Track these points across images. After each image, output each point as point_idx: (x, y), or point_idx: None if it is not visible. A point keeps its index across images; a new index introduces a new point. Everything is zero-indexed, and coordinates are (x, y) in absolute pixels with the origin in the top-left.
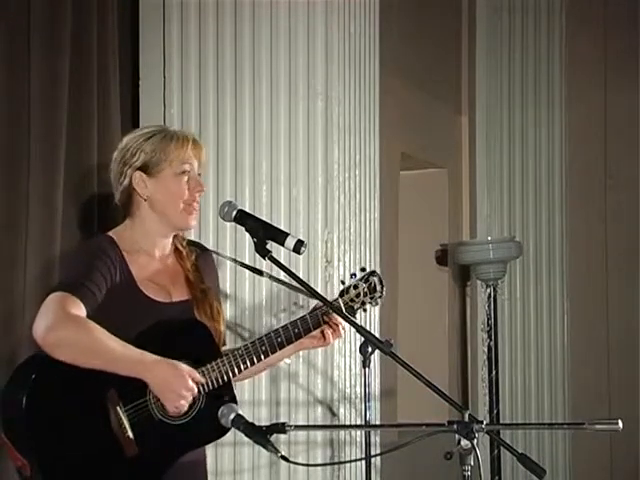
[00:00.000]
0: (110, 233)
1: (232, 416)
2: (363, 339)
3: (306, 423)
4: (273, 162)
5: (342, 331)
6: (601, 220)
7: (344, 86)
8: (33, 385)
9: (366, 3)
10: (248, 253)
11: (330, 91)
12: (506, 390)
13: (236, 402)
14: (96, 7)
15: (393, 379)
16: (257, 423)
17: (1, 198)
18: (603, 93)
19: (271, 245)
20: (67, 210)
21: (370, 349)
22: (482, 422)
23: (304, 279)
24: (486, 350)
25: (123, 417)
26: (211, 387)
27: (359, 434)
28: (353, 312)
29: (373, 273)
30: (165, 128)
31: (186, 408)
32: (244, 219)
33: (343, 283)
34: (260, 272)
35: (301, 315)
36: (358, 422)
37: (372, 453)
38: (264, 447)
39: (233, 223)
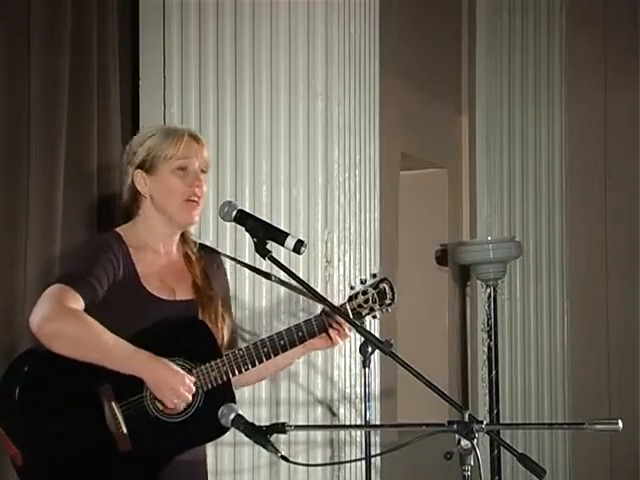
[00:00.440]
0: (118, 230)
1: (232, 416)
2: (363, 339)
3: (306, 423)
4: (273, 162)
5: (348, 332)
6: (601, 220)
7: (344, 86)
8: (26, 376)
9: (366, 3)
10: (248, 253)
11: (330, 91)
12: (506, 390)
13: (235, 402)
14: (96, 7)
15: (393, 379)
16: (257, 423)
17: (1, 198)
18: (603, 93)
19: (271, 245)
20: (67, 210)
21: (370, 349)
22: (482, 422)
23: (304, 279)
24: (486, 350)
25: (117, 412)
26: (210, 387)
27: (359, 434)
28: (361, 318)
29: (384, 280)
30: (168, 126)
31: (184, 406)
32: (244, 219)
33: (352, 288)
34: (269, 276)
35: (306, 318)
36: (358, 422)
37: (372, 453)
38: (264, 447)
39: (233, 223)
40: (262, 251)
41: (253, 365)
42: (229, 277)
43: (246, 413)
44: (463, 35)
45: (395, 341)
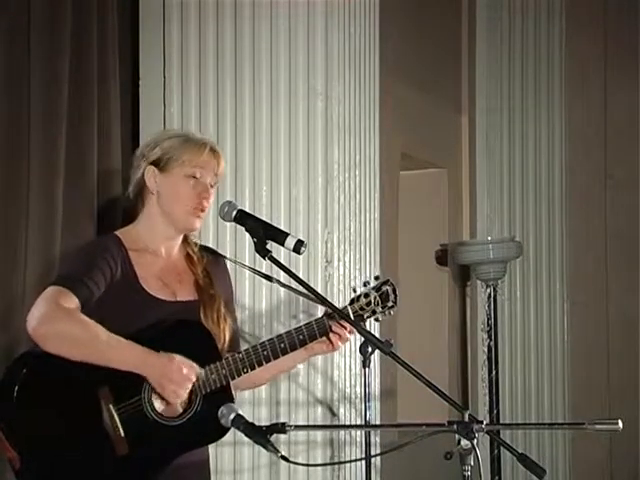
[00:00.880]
0: (117, 232)
1: (232, 416)
2: (363, 339)
3: (306, 423)
4: (273, 162)
5: (348, 336)
6: (601, 220)
7: (344, 86)
8: (24, 379)
9: (366, 3)
10: (248, 253)
11: (330, 91)
12: (506, 390)
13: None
14: (96, 7)
15: (393, 379)
16: (257, 423)
17: (1, 198)
18: (603, 93)
19: (271, 245)
20: (67, 210)
21: (370, 349)
22: (482, 422)
23: (304, 279)
24: (486, 350)
25: (115, 415)
26: (209, 390)
27: (359, 434)
28: (362, 320)
29: (386, 282)
30: (190, 133)
31: (186, 396)
32: (244, 219)
33: (355, 291)
34: (270, 278)
35: (307, 321)
36: (358, 422)
37: (372, 453)
38: (264, 447)
39: (233, 223)
40: (262, 251)
41: (253, 368)
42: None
43: (246, 413)
44: (463, 35)
45: (395, 341)
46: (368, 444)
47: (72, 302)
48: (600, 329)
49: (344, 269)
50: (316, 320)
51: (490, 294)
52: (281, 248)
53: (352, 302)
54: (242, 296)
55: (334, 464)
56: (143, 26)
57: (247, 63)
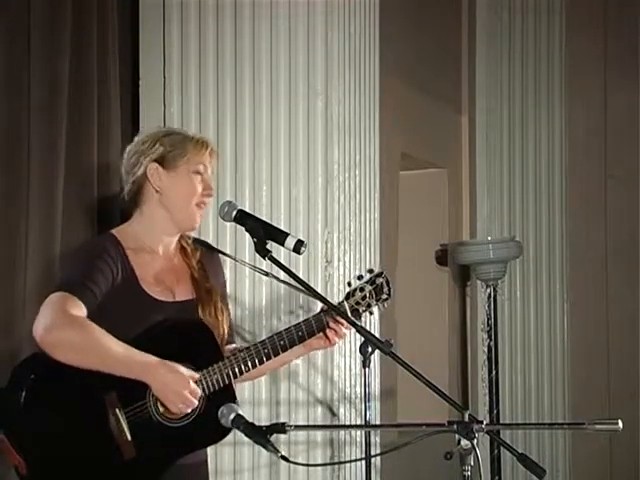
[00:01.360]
0: (113, 231)
1: (232, 416)
2: (363, 339)
3: (306, 423)
4: (273, 162)
5: (345, 332)
6: (601, 220)
7: (344, 86)
8: (31, 384)
9: (366, 3)
10: (248, 253)
11: (330, 91)
12: (506, 390)
13: (237, 404)
14: (96, 7)
15: (393, 379)
16: (257, 423)
17: (1, 198)
18: (603, 93)
19: (271, 245)
20: (67, 210)
21: (370, 349)
22: (482, 422)
23: (304, 279)
24: (486, 350)
25: (122, 419)
26: (212, 390)
27: (359, 434)
28: (359, 315)
29: (380, 275)
30: (184, 130)
31: (189, 409)
32: (244, 219)
33: (349, 285)
34: (266, 273)
35: (305, 318)
36: (358, 422)
37: (372, 453)
38: (264, 447)
39: (233, 223)
40: (262, 251)
41: (254, 367)
42: (229, 276)
43: (246, 413)
44: (463, 35)
45: (395, 341)
46: (368, 444)
47: (79, 308)
48: (600, 329)
49: (344, 269)
50: (314, 317)
51: (490, 294)
52: (281, 248)
53: (348, 297)
54: (241, 293)
55: (334, 464)
56: (143, 26)
57: (247, 63)
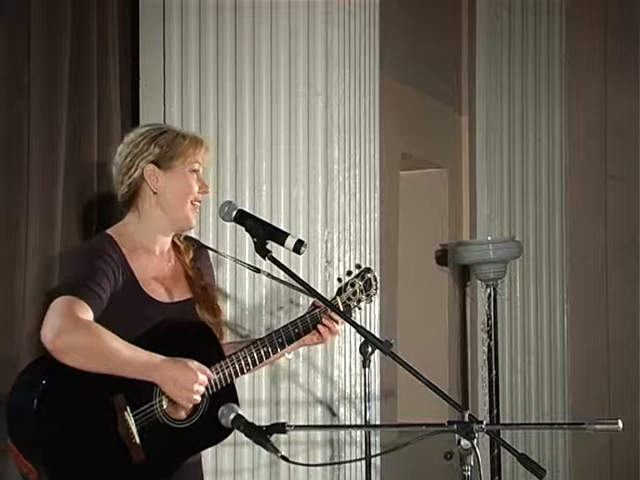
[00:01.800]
0: (109, 232)
1: (232, 416)
2: (363, 339)
3: (306, 423)
4: (273, 162)
5: (338, 328)
6: (601, 220)
7: (344, 86)
8: (43, 391)
9: (366, 3)
10: (248, 253)
11: (330, 91)
12: (506, 390)
13: (238, 404)
14: (96, 7)
15: (393, 379)
16: (257, 423)
17: (1, 198)
18: (603, 93)
19: (271, 245)
20: (67, 210)
21: (370, 349)
22: (482, 422)
23: (304, 279)
24: (486, 350)
25: (130, 423)
26: (215, 389)
27: (359, 434)
28: (350, 310)
29: (368, 270)
30: (173, 127)
31: (199, 400)
32: (244, 219)
33: (340, 281)
34: (258, 270)
35: (301, 315)
36: (358, 422)
37: (372, 453)
38: (264, 447)
39: (233, 223)
40: (262, 251)
41: (254, 365)
42: (229, 275)
43: (246, 413)
44: (463, 35)
45: (395, 341)
46: (368, 444)
47: (87, 312)
48: (600, 329)
49: (344, 269)
50: (309, 313)
51: (490, 294)
52: (281, 248)
53: (339, 292)
54: (242, 292)
55: (334, 464)
56: (143, 26)
57: (247, 63)
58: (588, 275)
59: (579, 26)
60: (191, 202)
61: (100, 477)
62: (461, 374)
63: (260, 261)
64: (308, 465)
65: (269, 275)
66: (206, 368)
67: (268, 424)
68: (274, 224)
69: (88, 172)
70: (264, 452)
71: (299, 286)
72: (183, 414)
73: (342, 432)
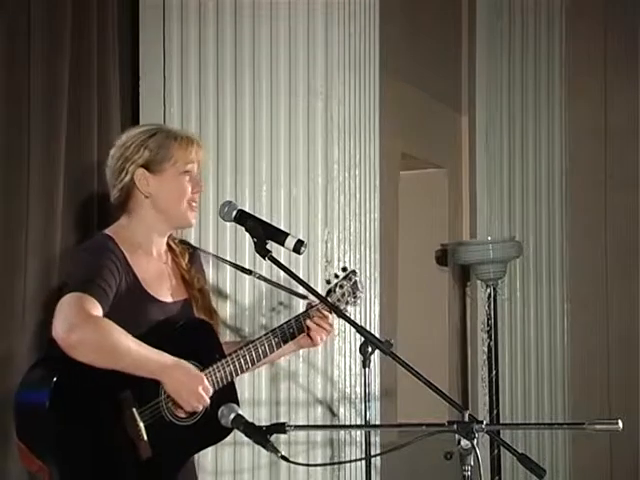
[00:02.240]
0: (108, 232)
1: (232, 416)
2: (363, 339)
3: (306, 423)
4: (273, 162)
5: (327, 326)
6: (601, 220)
7: (344, 86)
8: (55, 388)
9: (366, 3)
10: (248, 253)
11: (330, 91)
12: (506, 390)
13: (238, 403)
14: (96, 7)
15: (393, 379)
16: (257, 423)
17: (1, 198)
18: (603, 93)
19: (271, 245)
20: (67, 210)
21: (370, 349)
22: (482, 422)
23: (304, 279)
24: (486, 350)
25: (138, 420)
26: (217, 387)
27: (359, 434)
28: (339, 312)
29: (354, 272)
30: (165, 127)
31: (201, 408)
32: (244, 219)
33: (328, 283)
34: (249, 271)
35: (295, 315)
36: (358, 422)
37: (372, 453)
38: (264, 447)
39: (233, 223)
40: (262, 251)
41: (253, 364)
42: (228, 276)
43: (246, 413)
44: (463, 35)
45: (395, 341)
46: (368, 444)
47: (96, 308)
48: (600, 329)
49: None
50: (302, 314)
51: (490, 294)
52: (281, 248)
53: (328, 294)
54: (242, 292)
55: (334, 464)
56: (143, 26)
57: (247, 63)
58: (588, 275)
59: (579, 26)
60: (187, 202)
61: (109, 473)
62: (461, 374)
63: (260, 261)
64: (308, 465)
65: (260, 277)
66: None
67: (268, 424)
68: (274, 224)
69: (88, 172)
70: (264, 452)
71: (290, 288)
72: (182, 413)
73: (342, 432)
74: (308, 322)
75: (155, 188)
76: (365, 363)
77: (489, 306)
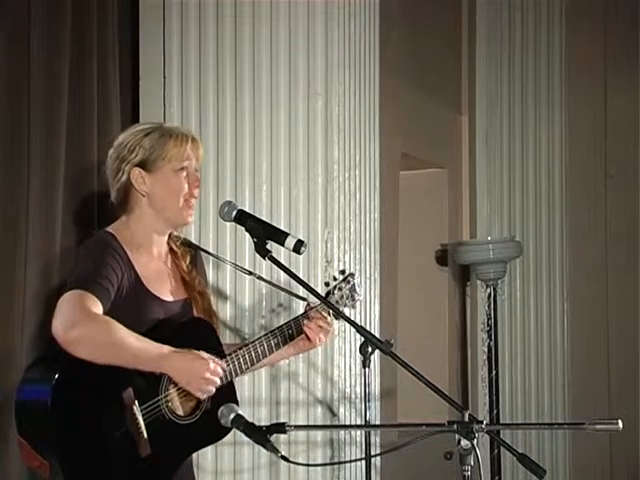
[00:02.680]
0: (111, 230)
1: (232, 416)
2: (363, 339)
3: (306, 423)
4: (273, 162)
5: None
6: (601, 220)
7: (344, 86)
8: (57, 385)
9: (366, 3)
10: (248, 253)
11: (330, 91)
12: (506, 390)
13: (237, 403)
14: (96, 7)
15: (393, 379)
16: (257, 423)
17: (1, 198)
18: (603, 93)
19: (271, 245)
20: (67, 209)
21: (370, 349)
22: (482, 422)
23: (304, 279)
24: (486, 350)
25: (139, 417)
26: (217, 386)
27: (359, 434)
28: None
29: (353, 275)
30: (162, 125)
31: (214, 391)
32: (244, 219)
33: (327, 285)
34: (249, 272)
35: (294, 317)
36: (358, 422)
37: (372, 453)
38: (264, 447)
39: (233, 223)
40: (262, 251)
41: (252, 364)
42: (228, 276)
43: (246, 413)
44: (463, 35)
45: (395, 341)
46: (368, 444)
47: (97, 306)
48: (600, 329)
49: (344, 269)
50: (301, 315)
51: (490, 294)
52: (281, 248)
53: (327, 296)
54: (242, 292)
55: (334, 464)
56: (143, 26)
57: (247, 63)
58: (588, 275)
59: (579, 26)
60: (184, 200)
61: (109, 470)
62: (461, 374)
63: (260, 261)
64: (308, 465)
65: (260, 277)
66: (218, 360)
67: (268, 424)
68: (274, 224)
69: (88, 172)
70: (264, 452)
71: (289, 289)
72: (184, 410)
73: (342, 432)
74: (306, 323)
75: (151, 187)
76: (365, 363)
77: (489, 306)
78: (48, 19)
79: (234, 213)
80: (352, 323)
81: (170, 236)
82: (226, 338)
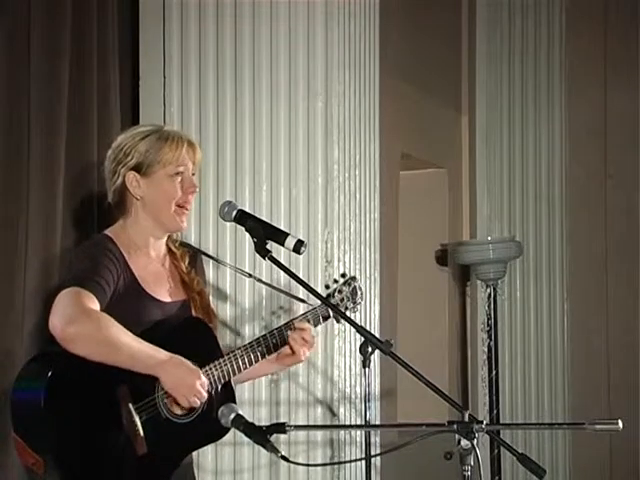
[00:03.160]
0: (108, 233)
1: (232, 416)
2: (363, 339)
3: (306, 423)
4: (273, 162)
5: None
6: (601, 220)
7: (344, 86)
8: (50, 382)
9: (366, 3)
10: (248, 253)
11: (330, 91)
12: (506, 390)
13: (235, 402)
14: (96, 7)
15: (393, 379)
16: (257, 423)
17: (1, 197)
18: (603, 92)
19: (271, 245)
20: (67, 209)
21: (370, 349)
22: (482, 422)
23: (304, 279)
24: (486, 350)
25: (135, 415)
26: (214, 386)
27: (359, 434)
28: (338, 317)
29: (354, 278)
30: (161, 128)
31: (199, 403)
32: (244, 219)
33: (327, 287)
34: (249, 274)
35: (277, 326)
36: (358, 422)
37: (372, 453)
38: (264, 447)
39: (233, 223)
40: (262, 251)
41: (250, 364)
42: (228, 276)
43: (246, 413)
44: (463, 35)
45: (395, 341)
46: (368, 444)
47: (94, 303)
48: (600, 329)
49: (344, 269)
50: (284, 325)
51: (490, 294)
52: (281, 248)
53: (327, 298)
54: (242, 293)
55: (334, 464)
56: (143, 26)
57: (247, 63)
58: (588, 275)
59: (579, 26)
60: (177, 205)
61: (104, 468)
62: (461, 374)
63: (261, 262)
64: (308, 465)
65: (259, 280)
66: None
67: (268, 424)
68: (274, 224)
69: (88, 172)
70: (264, 452)
71: (289, 291)
72: (179, 410)
73: (342, 432)
74: (290, 334)
75: (145, 191)
76: (365, 363)
77: (489, 306)
78: (48, 19)
79: (234, 213)
80: (352, 323)
81: (169, 237)
82: (226, 339)
